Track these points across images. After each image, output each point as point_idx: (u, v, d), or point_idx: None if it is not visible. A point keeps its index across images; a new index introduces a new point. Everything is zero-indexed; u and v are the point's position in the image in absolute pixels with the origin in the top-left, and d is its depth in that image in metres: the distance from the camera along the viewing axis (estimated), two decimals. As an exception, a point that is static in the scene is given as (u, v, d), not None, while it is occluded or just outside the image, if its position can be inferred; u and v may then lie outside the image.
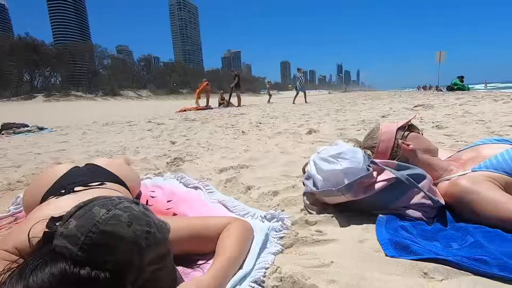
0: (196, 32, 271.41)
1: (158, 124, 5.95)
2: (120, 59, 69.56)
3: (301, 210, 1.13)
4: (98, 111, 15.45)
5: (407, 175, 0.98)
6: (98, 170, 1.17)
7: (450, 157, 1.19)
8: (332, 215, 1.04)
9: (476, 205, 0.90)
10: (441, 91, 15.46)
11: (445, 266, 0.69)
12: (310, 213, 1.10)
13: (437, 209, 0.99)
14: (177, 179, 1.59)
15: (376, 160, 1.04)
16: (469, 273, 0.68)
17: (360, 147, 1.22)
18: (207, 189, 1.38)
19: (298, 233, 0.91)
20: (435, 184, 1.08)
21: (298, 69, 13.03)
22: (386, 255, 0.76)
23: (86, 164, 1.25)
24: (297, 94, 12.41)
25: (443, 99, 7.38)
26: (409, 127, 1.20)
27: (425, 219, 0.96)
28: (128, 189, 1.20)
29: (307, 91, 13.07)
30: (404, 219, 0.96)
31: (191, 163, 2.14)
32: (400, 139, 1.14)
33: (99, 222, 0.53)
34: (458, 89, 13.01)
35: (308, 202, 1.15)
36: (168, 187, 1.50)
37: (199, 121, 6.10)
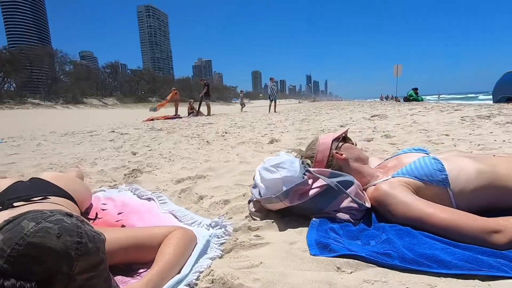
0: (166, 40, 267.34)
1: (121, 134, 5.78)
2: (84, 65, 66.30)
3: (246, 217, 1.21)
4: (57, 120, 14.53)
5: (337, 182, 1.10)
6: (42, 184, 1.16)
7: (379, 164, 1.35)
8: (273, 220, 1.12)
9: (393, 207, 1.03)
10: (399, 101, 16.69)
11: (356, 261, 0.80)
12: (254, 219, 1.18)
13: (364, 212, 1.12)
14: (131, 191, 1.60)
15: (311, 169, 1.15)
16: (375, 266, 0.79)
17: (302, 157, 1.34)
18: (160, 200, 1.41)
19: (237, 239, 0.98)
20: (364, 189, 1.22)
21: (271, 79, 13.40)
22: (311, 254, 0.86)
23: (30, 178, 1.23)
24: (271, 102, 12.70)
25: (398, 109, 7.98)
26: (343, 139, 1.34)
27: (352, 220, 1.08)
28: (76, 203, 1.20)
29: (277, 101, 13.43)
30: (334, 221, 1.07)
31: (149, 175, 2.14)
32: (335, 149, 1.27)
33: (26, 235, 0.56)
34: (414, 100, 14.14)
35: (253, 210, 1.23)
36: (121, 199, 1.51)
37: (165, 130, 6.03)
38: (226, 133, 4.88)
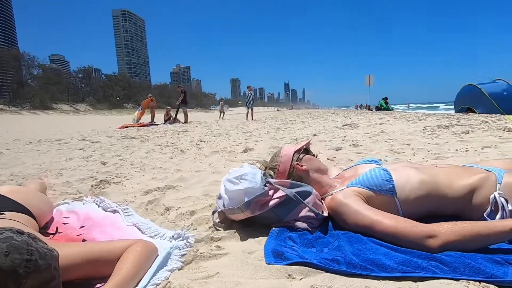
0: (143, 45, 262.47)
1: (92, 142, 5.58)
2: (54, 69, 63.30)
3: (209, 227, 1.24)
4: (23, 126, 13.73)
5: (295, 192, 1.17)
6: (-3, 199, 1.12)
7: (338, 174, 1.43)
8: (235, 230, 1.16)
9: (346, 215, 1.11)
10: (371, 110, 17.47)
11: (307, 268, 0.86)
12: (218, 230, 1.21)
13: (321, 220, 1.19)
14: (96, 204, 1.57)
15: (271, 180, 1.21)
16: (324, 272, 0.85)
17: (265, 168, 1.40)
18: (125, 213, 1.40)
19: (198, 250, 1.01)
20: (323, 199, 1.29)
21: (248, 87, 13.59)
22: (266, 263, 0.91)
23: (-16, 193, 1.19)
24: (248, 110, 12.84)
25: (369, 118, 8.34)
26: (305, 150, 1.41)
27: (309, 229, 1.14)
28: (35, 218, 1.17)
29: (255, 108, 13.59)
30: (293, 230, 1.13)
31: (117, 186, 2.10)
32: (296, 161, 1.34)
33: (-28, 255, 0.56)
34: (384, 109, 14.87)
35: (217, 221, 1.27)
36: (85, 212, 1.48)
37: (139, 139, 5.90)
38: (201, 141, 4.87)
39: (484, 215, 1.06)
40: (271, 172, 1.34)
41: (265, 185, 1.18)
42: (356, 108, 35.17)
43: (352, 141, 3.73)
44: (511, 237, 0.91)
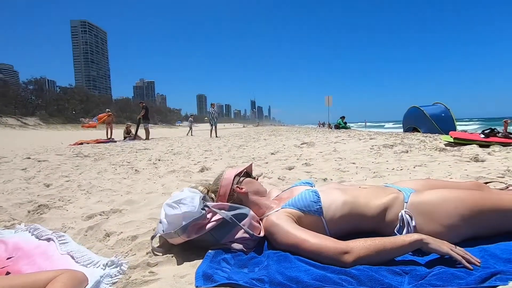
0: (104, 58, 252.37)
1: (39, 161, 5.18)
2: (0, 79, 57.98)
3: (147, 253, 1.24)
4: (-44, 143, 12.22)
5: (232, 215, 1.23)
6: None
7: (277, 196, 1.53)
8: (173, 255, 1.19)
9: (277, 235, 1.20)
10: (331, 128, 18.48)
11: (232, 288, 0.92)
12: (156, 255, 1.22)
13: (256, 241, 1.26)
14: (29, 231, 1.49)
15: (209, 204, 1.27)
16: (248, 291, 0.91)
17: (208, 191, 1.45)
18: (60, 241, 1.35)
19: (130, 277, 1.02)
20: (262, 220, 1.37)
21: (212, 104, 13.74)
22: (195, 286, 0.95)
23: None
24: (212, 127, 12.88)
25: (326, 137, 8.81)
26: (245, 173, 1.50)
27: (245, 250, 1.21)
28: (-49, 250, 1.09)
29: (221, 125, 13.70)
30: (229, 252, 1.19)
31: (58, 210, 2.00)
32: (236, 183, 1.42)
33: None
34: (343, 127, 15.83)
35: (156, 245, 1.28)
36: (15, 241, 1.39)
37: (92, 157, 5.60)
38: (159, 160, 4.78)
39: (395, 231, 1.21)
40: (213, 195, 1.40)
41: (203, 209, 1.23)
42: (319, 126, 36.90)
43: (306, 160, 3.92)
44: (411, 249, 1.06)
